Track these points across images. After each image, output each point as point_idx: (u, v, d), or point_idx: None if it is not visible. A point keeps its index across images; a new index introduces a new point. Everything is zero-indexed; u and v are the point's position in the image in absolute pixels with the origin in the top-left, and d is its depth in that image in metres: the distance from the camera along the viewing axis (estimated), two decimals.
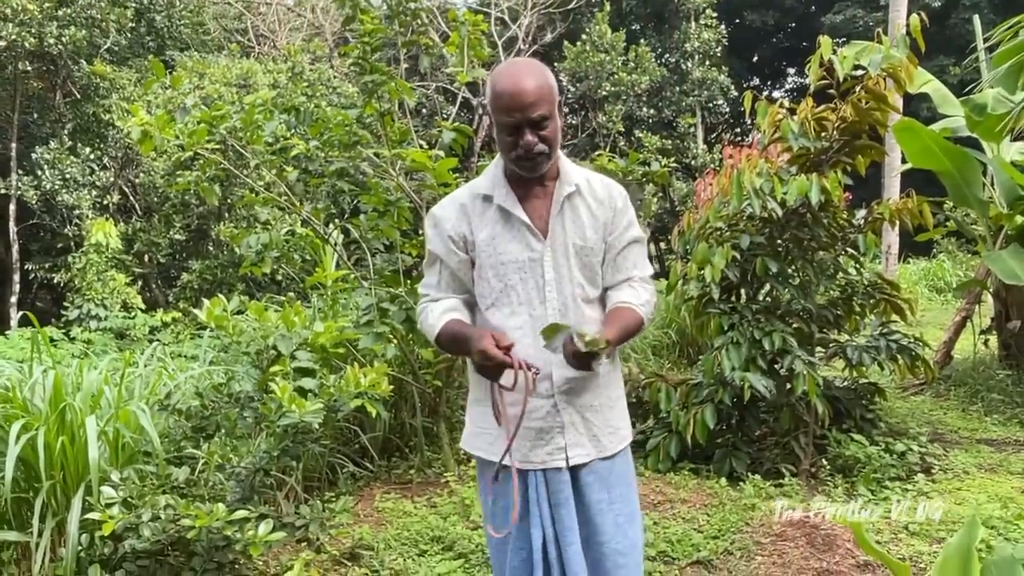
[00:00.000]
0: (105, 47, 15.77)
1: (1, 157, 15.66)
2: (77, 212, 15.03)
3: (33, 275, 16.03)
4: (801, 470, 5.14)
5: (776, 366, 5.11)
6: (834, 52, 5.04)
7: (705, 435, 4.79)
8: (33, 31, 13.75)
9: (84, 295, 14.13)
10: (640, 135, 21.08)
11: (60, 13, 14.05)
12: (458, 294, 2.29)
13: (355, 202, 4.53)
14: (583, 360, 2.04)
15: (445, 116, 21.21)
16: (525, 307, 2.20)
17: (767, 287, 5.25)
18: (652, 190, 5.17)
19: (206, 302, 3.63)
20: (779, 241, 5.16)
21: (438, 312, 2.24)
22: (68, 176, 14.63)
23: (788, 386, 4.96)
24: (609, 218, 2.27)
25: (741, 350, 4.81)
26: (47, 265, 15.88)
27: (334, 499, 4.66)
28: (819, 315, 5.30)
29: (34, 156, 14.94)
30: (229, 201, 13.41)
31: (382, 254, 4.81)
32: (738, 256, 4.94)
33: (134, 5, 15.91)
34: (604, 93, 20.98)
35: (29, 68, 14.77)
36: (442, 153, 4.48)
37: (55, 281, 15.35)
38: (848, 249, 5.42)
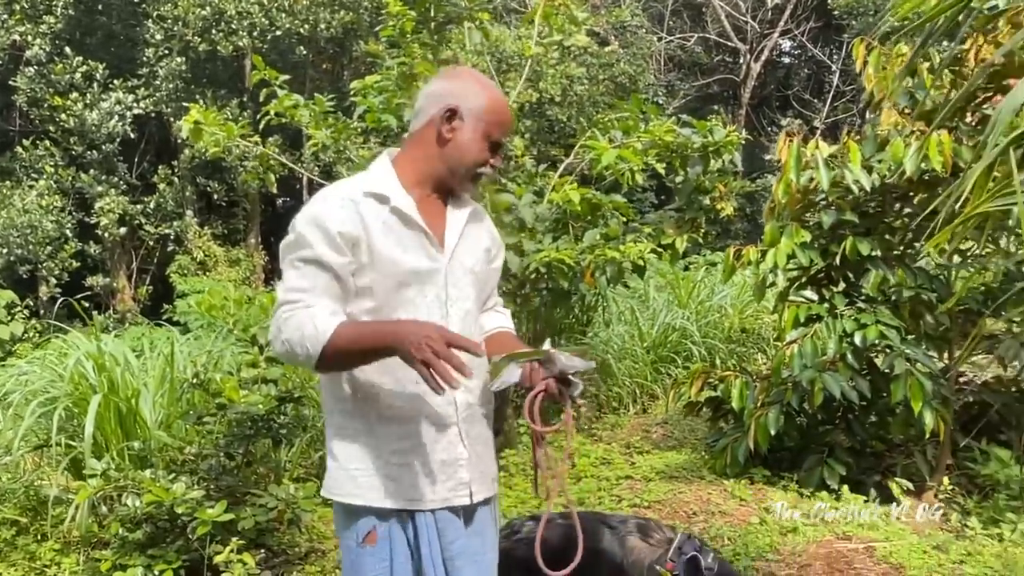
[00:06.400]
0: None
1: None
2: None
3: None
4: (927, 488, 4.37)
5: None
6: None
7: (766, 441, 4.19)
8: (307, 19, 15.20)
9: None
10: None
11: None
12: (334, 302, 1.91)
13: None
14: (562, 390, 1.85)
15: (705, 66, 20.26)
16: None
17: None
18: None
19: None
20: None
21: (324, 315, 1.85)
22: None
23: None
24: (495, 249, 2.19)
25: (826, 345, 4.13)
26: None
27: None
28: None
29: None
30: None
31: None
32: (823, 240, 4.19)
33: None
34: None
35: (307, 53, 16.44)
36: None
37: None
38: None
